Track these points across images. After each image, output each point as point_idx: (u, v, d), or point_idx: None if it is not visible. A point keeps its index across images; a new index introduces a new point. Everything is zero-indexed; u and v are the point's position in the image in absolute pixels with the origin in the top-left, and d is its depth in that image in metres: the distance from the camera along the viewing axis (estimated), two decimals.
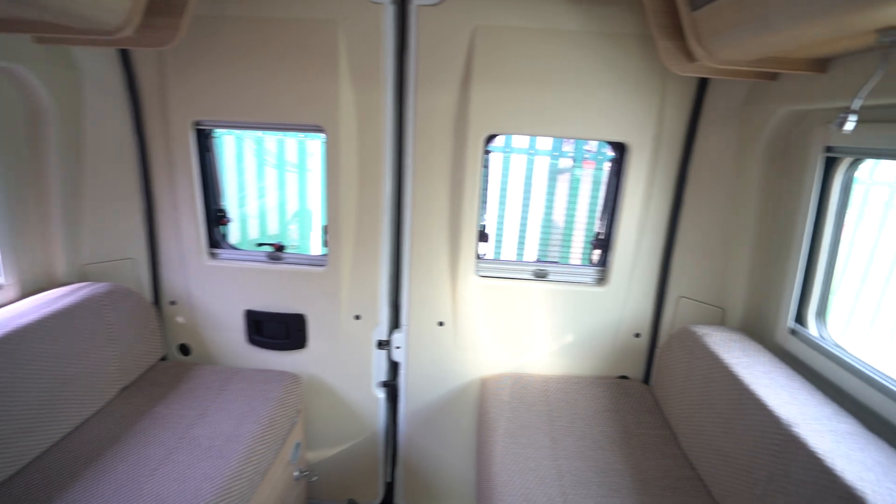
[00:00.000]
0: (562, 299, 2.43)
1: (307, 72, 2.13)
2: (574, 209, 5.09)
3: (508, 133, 2.32)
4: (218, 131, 2.45)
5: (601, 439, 2.05)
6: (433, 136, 2.22)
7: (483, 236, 2.41)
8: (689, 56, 1.74)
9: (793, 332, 1.91)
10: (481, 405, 2.36)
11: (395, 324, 2.54)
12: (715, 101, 2.11)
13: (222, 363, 2.61)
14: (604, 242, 2.42)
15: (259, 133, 5.14)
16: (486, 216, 2.48)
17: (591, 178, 5.07)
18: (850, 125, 1.29)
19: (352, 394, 2.59)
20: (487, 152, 2.29)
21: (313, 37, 2.09)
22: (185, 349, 2.62)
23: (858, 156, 1.65)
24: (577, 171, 5.11)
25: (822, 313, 1.88)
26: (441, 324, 2.46)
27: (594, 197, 5.04)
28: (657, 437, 2.07)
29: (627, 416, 2.21)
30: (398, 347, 2.51)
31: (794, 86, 1.76)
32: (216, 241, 2.50)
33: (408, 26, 2.09)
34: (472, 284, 2.40)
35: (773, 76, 1.84)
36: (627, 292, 2.41)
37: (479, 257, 2.43)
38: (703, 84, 2.12)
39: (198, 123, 2.28)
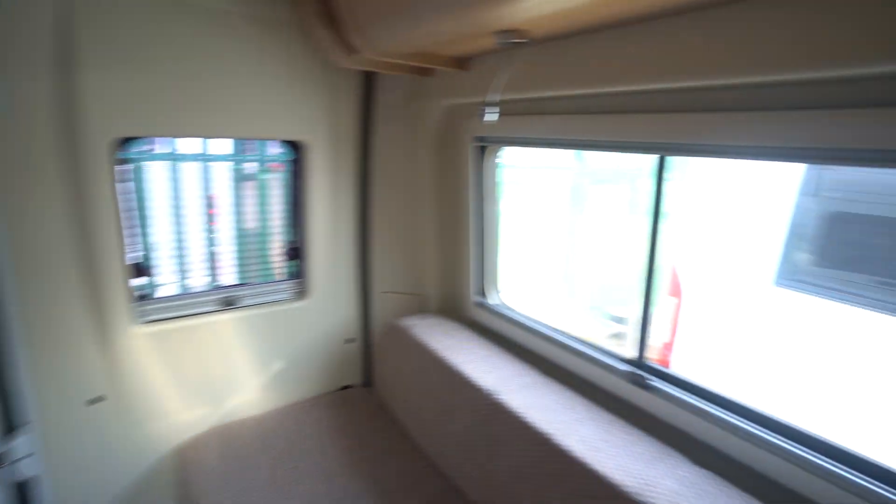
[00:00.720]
0: (261, 324, 2.11)
1: None
2: (267, 219, 4.69)
3: (147, 136, 1.81)
4: None
5: (334, 466, 1.85)
6: (25, 144, 1.51)
7: (140, 271, 1.84)
8: (350, 48, 1.66)
9: (479, 304, 2.14)
10: (182, 485, 1.82)
11: (8, 426, 1.68)
12: (384, 97, 2.14)
13: None
14: (298, 252, 2.20)
15: None
16: (148, 243, 1.89)
17: (281, 181, 4.75)
18: (488, 116, 1.46)
19: None
20: (124, 161, 1.72)
21: None
22: None
23: (500, 143, 1.93)
24: (264, 176, 4.71)
25: (494, 283, 2.16)
26: (97, 400, 1.76)
27: (287, 203, 4.76)
28: (390, 440, 2.01)
29: (357, 427, 2.08)
30: (27, 457, 1.68)
31: (446, 82, 1.91)
32: None
33: None
34: (134, 336, 1.80)
35: (428, 72, 1.95)
36: (331, 299, 2.27)
37: (140, 298, 1.84)
38: (371, 79, 2.11)
39: None
